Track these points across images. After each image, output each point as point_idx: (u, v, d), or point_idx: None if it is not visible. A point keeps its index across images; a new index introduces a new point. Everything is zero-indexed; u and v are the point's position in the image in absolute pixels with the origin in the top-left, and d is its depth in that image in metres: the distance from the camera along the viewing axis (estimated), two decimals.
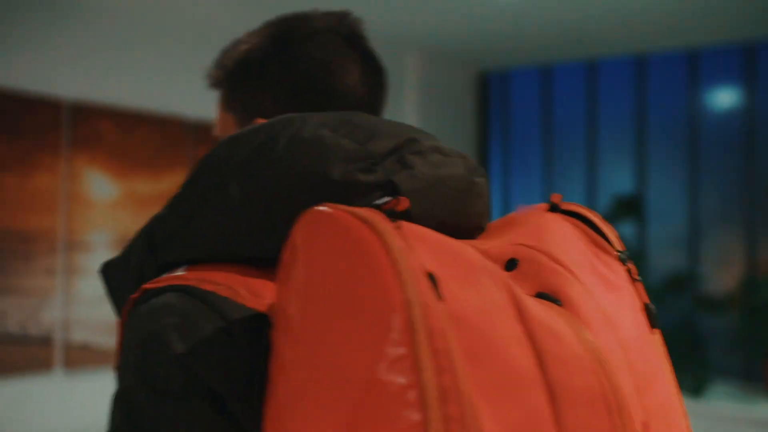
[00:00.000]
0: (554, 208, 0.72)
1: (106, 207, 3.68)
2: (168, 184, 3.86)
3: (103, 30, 3.57)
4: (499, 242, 0.68)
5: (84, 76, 3.51)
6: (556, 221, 0.70)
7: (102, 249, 3.71)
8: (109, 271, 0.73)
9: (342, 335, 0.51)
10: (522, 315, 0.57)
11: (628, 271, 0.69)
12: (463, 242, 0.62)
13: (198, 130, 3.99)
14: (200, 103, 3.46)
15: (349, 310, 0.51)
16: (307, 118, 0.68)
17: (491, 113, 6.04)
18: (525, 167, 5.93)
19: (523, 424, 0.53)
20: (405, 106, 5.22)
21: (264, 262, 0.65)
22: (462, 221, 0.70)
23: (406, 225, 0.57)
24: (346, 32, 0.86)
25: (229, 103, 0.87)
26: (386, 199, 0.59)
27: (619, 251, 0.69)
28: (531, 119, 5.89)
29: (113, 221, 3.70)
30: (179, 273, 0.65)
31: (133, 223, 3.67)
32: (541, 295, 0.62)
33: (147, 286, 0.65)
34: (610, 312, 0.64)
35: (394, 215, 0.57)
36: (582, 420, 0.56)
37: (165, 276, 0.65)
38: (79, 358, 3.62)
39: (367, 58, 0.87)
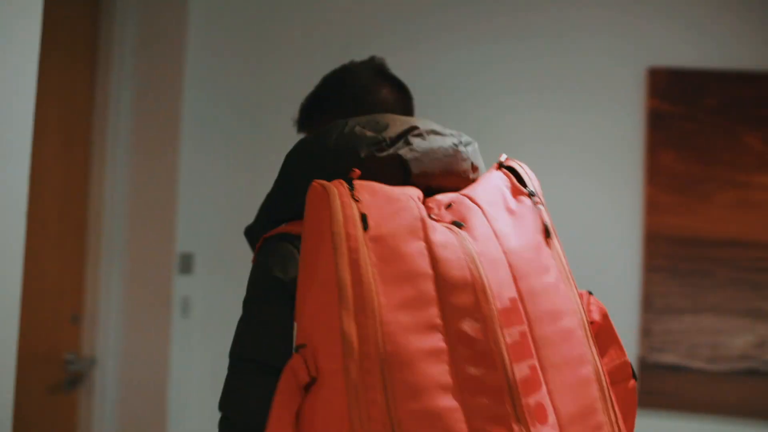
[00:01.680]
0: (500, 165, 1.16)
1: None
2: None
3: None
4: (456, 193, 1.10)
5: None
6: (493, 174, 1.14)
7: None
8: (248, 232, 1.20)
9: (310, 253, 0.96)
10: (426, 235, 0.98)
11: (532, 201, 1.10)
12: (404, 193, 1.03)
13: None
14: None
15: (314, 240, 0.95)
16: (348, 121, 1.13)
17: None
18: None
19: (414, 299, 0.93)
20: None
21: None
22: (450, 177, 1.13)
23: (360, 185, 1.00)
24: (375, 66, 1.36)
25: (309, 131, 1.37)
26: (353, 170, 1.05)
27: (529, 190, 1.11)
28: None
29: None
30: (282, 226, 1.11)
31: None
32: (454, 222, 1.03)
33: (264, 236, 1.12)
34: (504, 230, 1.05)
35: (349, 180, 1.00)
36: (456, 297, 0.95)
37: (274, 229, 1.12)
38: None
39: (394, 80, 1.36)
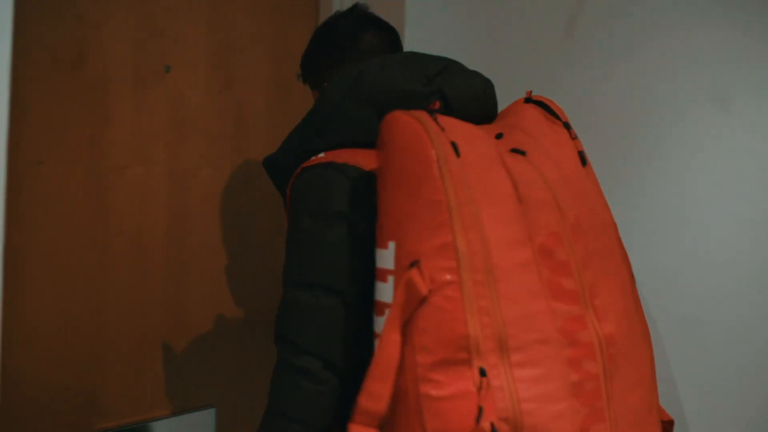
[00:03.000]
0: (527, 100, 1.26)
1: None
2: None
3: None
4: (496, 125, 1.24)
5: None
6: (527, 108, 1.24)
7: None
8: (269, 165, 1.29)
9: (409, 177, 1.02)
10: (503, 160, 1.08)
11: (569, 132, 1.22)
12: (473, 125, 1.13)
13: None
14: None
15: (411, 167, 1.02)
16: (382, 59, 1.23)
17: None
18: None
19: (505, 215, 1.03)
20: None
21: (368, 144, 1.17)
22: (482, 114, 1.25)
23: (441, 116, 1.07)
24: (356, 14, 1.46)
25: (313, 85, 1.48)
26: (432, 101, 1.14)
27: (564, 122, 1.22)
28: None
29: None
30: (320, 156, 1.18)
31: None
32: (513, 150, 1.14)
33: (304, 165, 1.18)
34: (554, 156, 1.16)
35: (432, 111, 1.06)
36: (538, 214, 1.07)
37: (312, 158, 1.19)
38: None
39: (377, 24, 1.45)
